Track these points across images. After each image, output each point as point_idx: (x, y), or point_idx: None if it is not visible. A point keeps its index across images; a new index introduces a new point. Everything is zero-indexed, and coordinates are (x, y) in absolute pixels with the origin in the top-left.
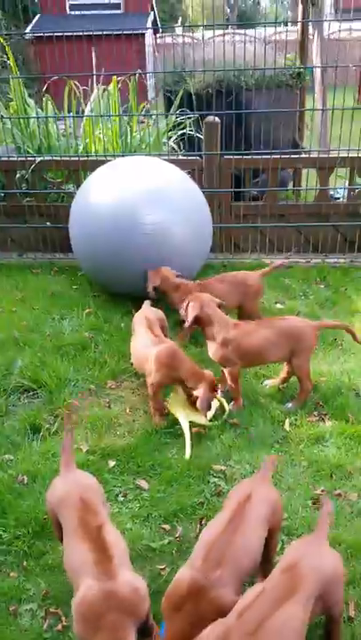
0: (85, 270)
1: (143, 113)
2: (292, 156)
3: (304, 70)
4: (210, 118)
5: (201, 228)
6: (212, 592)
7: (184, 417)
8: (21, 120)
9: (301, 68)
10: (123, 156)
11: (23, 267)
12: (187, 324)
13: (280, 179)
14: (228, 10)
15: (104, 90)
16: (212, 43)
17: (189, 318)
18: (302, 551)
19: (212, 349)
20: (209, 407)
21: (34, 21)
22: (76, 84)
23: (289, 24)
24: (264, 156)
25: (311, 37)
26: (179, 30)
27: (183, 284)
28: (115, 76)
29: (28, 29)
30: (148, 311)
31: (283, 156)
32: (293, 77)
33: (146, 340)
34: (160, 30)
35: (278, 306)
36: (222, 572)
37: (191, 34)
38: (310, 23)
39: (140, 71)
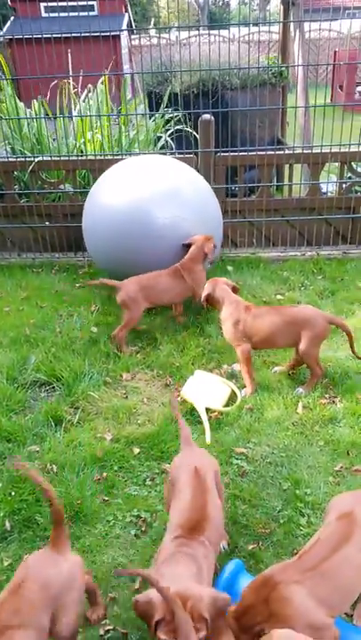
0: (100, 265)
1: (135, 113)
2: (286, 152)
3: (285, 69)
4: (205, 116)
5: (212, 222)
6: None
7: (200, 404)
8: (12, 121)
9: (284, 67)
10: (116, 155)
11: (23, 266)
12: (201, 300)
13: (249, 177)
14: (199, 11)
15: (90, 90)
16: (192, 43)
17: (202, 296)
18: (353, 500)
19: (225, 328)
20: None
21: (7, 24)
22: (70, 83)
23: (260, 25)
24: (259, 153)
25: (292, 37)
26: (152, 32)
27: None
28: (105, 77)
29: (2, 32)
30: None
31: (277, 152)
32: (275, 76)
33: None
34: (134, 32)
35: (278, 297)
36: None
37: (167, 35)
38: (292, 23)
39: (134, 71)
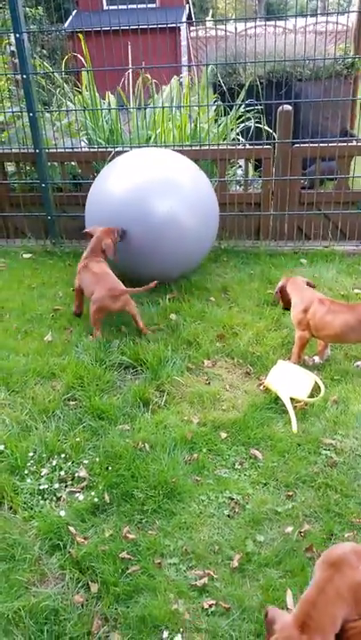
0: None
1: (212, 104)
2: None
3: (358, 60)
4: (286, 107)
5: (208, 215)
6: None
7: (285, 393)
8: (90, 112)
9: (356, 58)
10: (193, 146)
11: None
12: (275, 293)
13: (328, 168)
14: (256, 2)
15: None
16: (257, 35)
17: (276, 289)
18: None
19: (293, 313)
20: None
21: (70, 17)
22: (148, 77)
23: (337, 14)
24: (339, 144)
25: None
26: (210, 23)
27: None
28: (188, 69)
29: (65, 25)
30: None
31: (358, 144)
32: (347, 67)
33: None
34: (194, 24)
35: (356, 291)
36: None
37: (227, 26)
38: None
39: (211, 62)
